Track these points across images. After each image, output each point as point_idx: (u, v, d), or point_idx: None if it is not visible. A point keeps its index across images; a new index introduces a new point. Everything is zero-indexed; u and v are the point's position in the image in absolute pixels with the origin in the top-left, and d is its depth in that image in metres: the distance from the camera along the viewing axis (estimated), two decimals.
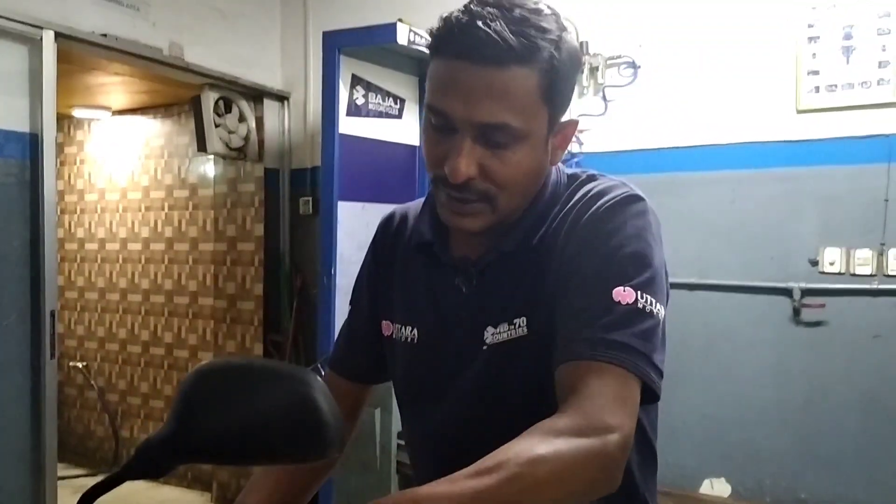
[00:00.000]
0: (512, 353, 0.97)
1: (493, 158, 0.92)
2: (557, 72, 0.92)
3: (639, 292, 0.88)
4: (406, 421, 1.14)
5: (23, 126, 2.93)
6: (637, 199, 0.96)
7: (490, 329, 0.99)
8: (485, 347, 0.99)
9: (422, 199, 1.16)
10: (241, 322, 4.36)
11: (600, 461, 0.79)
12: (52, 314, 2.94)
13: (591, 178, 1.02)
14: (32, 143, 2.95)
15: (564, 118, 0.98)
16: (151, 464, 0.69)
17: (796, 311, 2.96)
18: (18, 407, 2.93)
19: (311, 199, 4.07)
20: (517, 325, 0.97)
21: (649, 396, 0.87)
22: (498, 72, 0.88)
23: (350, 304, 1.22)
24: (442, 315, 1.04)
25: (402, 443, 3.52)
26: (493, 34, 0.87)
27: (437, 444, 1.07)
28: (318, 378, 0.70)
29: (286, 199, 4.19)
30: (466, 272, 1.03)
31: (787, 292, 2.98)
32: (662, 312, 0.90)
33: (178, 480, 4.72)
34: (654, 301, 0.89)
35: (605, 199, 0.96)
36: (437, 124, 0.94)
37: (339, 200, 3.42)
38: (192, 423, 0.68)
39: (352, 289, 1.22)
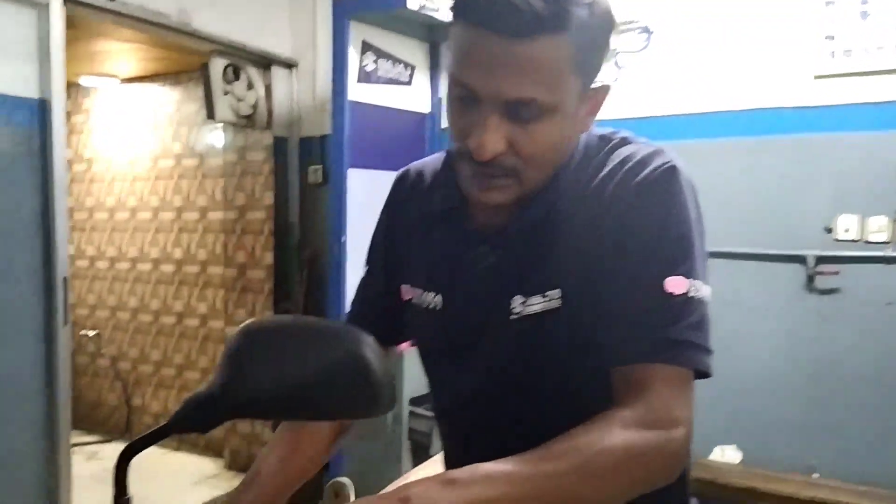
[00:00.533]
0: (543, 325, 0.94)
1: (521, 133, 0.87)
2: (590, 38, 0.87)
3: (689, 279, 0.87)
4: (431, 385, 1.12)
5: (31, 92, 2.91)
6: (675, 170, 0.92)
7: (519, 299, 0.95)
8: (512, 318, 0.95)
9: (437, 156, 1.13)
10: (252, 290, 4.37)
11: (665, 455, 0.82)
12: (65, 281, 2.95)
13: (625, 142, 0.97)
14: (41, 110, 2.93)
15: (596, 84, 0.93)
16: (197, 418, 0.69)
17: (810, 279, 2.94)
18: (32, 374, 2.94)
19: (320, 167, 4.05)
20: (550, 298, 0.93)
21: (703, 375, 0.88)
22: (525, 44, 0.82)
23: (366, 264, 1.18)
24: (467, 283, 1.01)
25: (414, 410, 3.54)
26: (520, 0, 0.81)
27: (461, 412, 1.05)
28: (369, 336, 0.69)
29: (295, 168, 4.17)
30: (494, 240, 0.99)
31: (800, 260, 2.96)
32: (709, 291, 0.89)
33: (191, 447, 4.77)
34: (702, 284, 0.88)
35: (646, 172, 0.91)
36: (461, 95, 0.89)
37: (349, 168, 3.41)
38: (239, 379, 0.68)
39: (368, 249, 1.18)
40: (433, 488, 0.72)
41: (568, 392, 0.83)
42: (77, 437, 4.37)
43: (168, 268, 5.01)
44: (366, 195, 3.44)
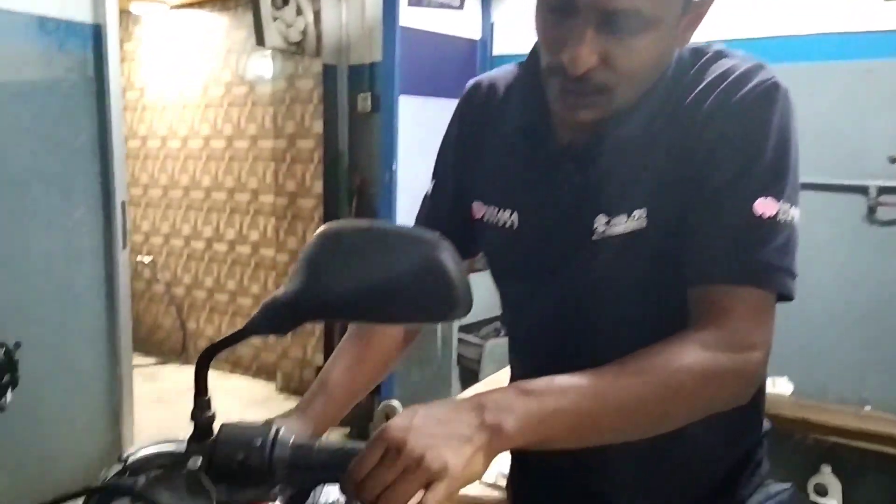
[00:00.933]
0: (627, 246, 0.91)
1: (618, 46, 0.82)
2: None
3: (780, 202, 0.85)
4: (505, 304, 1.11)
5: (85, 17, 2.92)
6: (777, 87, 0.87)
7: (603, 219, 0.92)
8: (594, 238, 0.93)
9: (508, 68, 1.08)
10: (302, 219, 4.41)
11: (742, 377, 0.82)
12: (123, 205, 3.01)
13: (720, 55, 0.92)
14: (95, 36, 2.94)
15: None
16: (275, 321, 0.71)
17: (871, 210, 2.87)
18: (93, 296, 3.04)
19: (369, 95, 4.02)
20: (636, 217, 0.90)
21: (785, 299, 0.87)
22: None
23: (433, 178, 1.14)
24: (548, 202, 0.97)
25: (463, 337, 3.58)
26: None
27: (535, 334, 1.04)
28: (446, 240, 0.69)
29: (345, 96, 4.15)
30: (578, 158, 0.94)
31: (862, 190, 2.88)
32: (798, 215, 0.87)
33: (244, 370, 4.92)
34: (792, 207, 0.86)
35: (747, 87, 0.87)
36: (555, 5, 0.84)
37: (399, 95, 3.38)
38: (317, 282, 0.69)
39: (434, 162, 1.15)
40: (508, 396, 0.72)
41: (646, 316, 0.83)
42: (136, 360, 4.52)
43: (220, 195, 5.08)
44: (416, 122, 3.42)
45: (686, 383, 0.78)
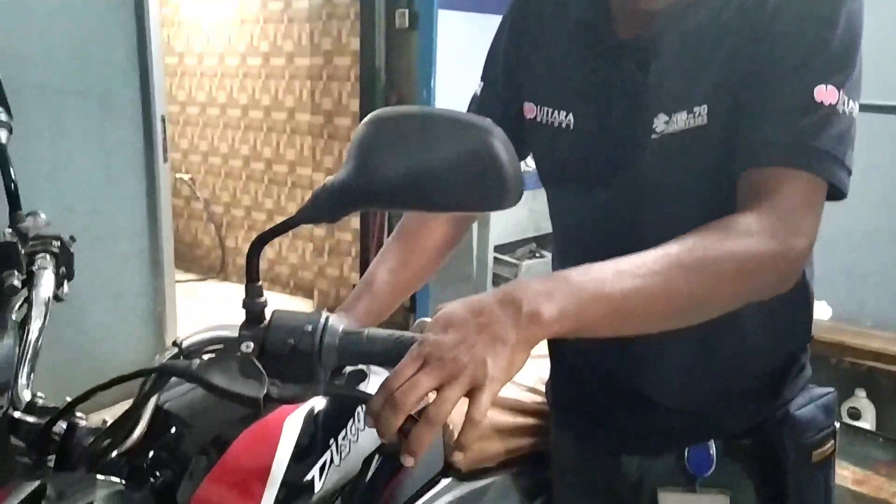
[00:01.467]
0: (687, 143, 0.89)
1: None
2: None
3: (841, 91, 0.82)
4: (555, 207, 1.10)
5: None
6: None
7: (663, 117, 0.90)
8: (654, 137, 0.91)
9: None
10: (338, 138, 4.40)
11: (784, 265, 0.81)
12: (163, 119, 3.03)
13: None
14: None
15: None
16: (325, 209, 0.71)
17: None
18: (136, 210, 3.09)
19: (407, 10, 3.94)
20: (697, 114, 0.88)
21: (837, 195, 0.85)
22: None
23: (481, 79, 1.12)
24: (605, 101, 0.95)
25: (498, 256, 3.60)
26: None
27: (587, 235, 1.03)
28: (498, 127, 0.68)
29: (382, 11, 4.07)
30: (638, 54, 0.92)
31: None
32: (857, 109, 0.85)
33: (282, 287, 5.00)
34: (852, 99, 0.84)
35: None
36: None
37: (439, 9, 3.31)
38: (368, 169, 0.68)
39: (484, 63, 1.12)
40: (546, 284, 0.71)
41: (701, 214, 0.81)
42: (176, 276, 4.62)
43: (256, 114, 5.07)
44: (456, 39, 3.35)
45: (728, 267, 0.77)
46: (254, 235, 0.78)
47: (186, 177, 5.45)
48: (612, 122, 0.95)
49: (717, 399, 1.02)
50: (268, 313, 0.77)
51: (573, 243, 1.09)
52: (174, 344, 0.80)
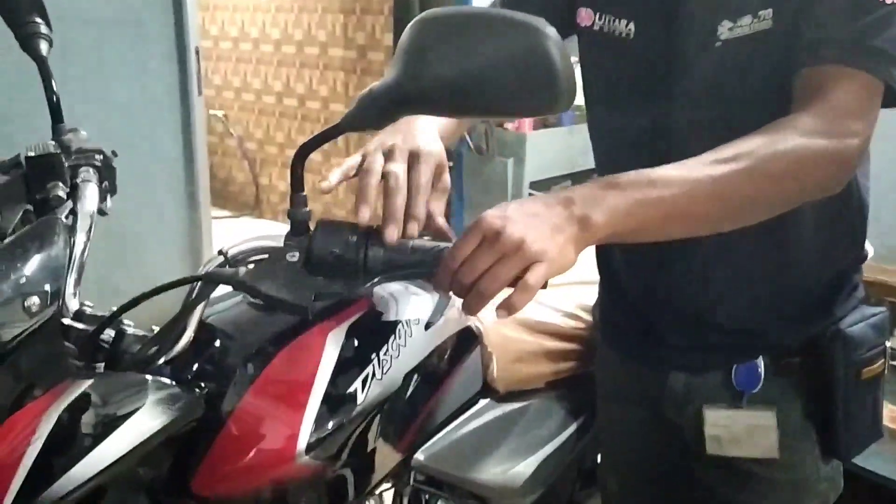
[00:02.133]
0: (751, 49, 0.88)
1: None
2: None
3: None
4: (602, 124, 1.07)
5: None
6: None
7: (727, 23, 0.88)
8: (718, 44, 0.89)
9: None
10: (371, 74, 4.36)
11: (838, 164, 0.81)
12: (197, 51, 3.01)
13: None
14: None
15: None
16: (371, 114, 0.70)
17: None
18: (171, 142, 3.09)
19: None
20: (761, 18, 0.86)
21: (893, 101, 0.83)
22: None
23: None
24: (669, 8, 0.92)
25: (533, 193, 3.56)
26: None
27: (635, 157, 0.97)
28: (552, 27, 0.66)
29: None
30: None
31: None
32: None
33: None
34: None
35: None
36: None
37: None
38: (416, 71, 0.66)
39: None
40: (595, 190, 0.72)
41: (762, 120, 0.80)
42: (212, 212, 4.66)
43: (289, 49, 5.03)
44: None
45: (780, 166, 0.77)
46: (287, 173, 0.78)
47: (220, 113, 5.45)
48: (675, 30, 0.92)
49: (767, 315, 1.01)
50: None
51: (620, 168, 1.06)
52: (220, 253, 0.80)
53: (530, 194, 3.52)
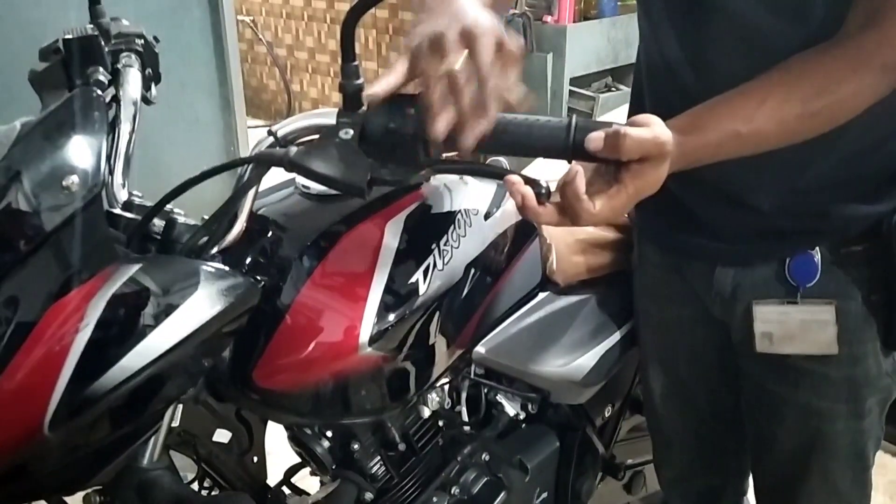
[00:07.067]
0: None
1: None
2: None
3: None
4: (649, 39, 0.97)
5: None
6: None
7: None
8: None
9: None
10: None
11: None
12: None
13: None
14: None
15: None
16: None
17: None
18: (203, 46, 3.01)
19: None
20: None
21: None
22: None
23: None
24: None
25: (574, 89, 3.44)
26: None
27: (682, 70, 0.90)
28: None
29: None
30: None
31: None
32: None
33: None
34: None
35: None
36: None
37: None
38: None
39: None
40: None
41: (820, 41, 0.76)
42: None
43: None
44: None
45: (831, 106, 0.75)
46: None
47: (248, 19, 5.30)
48: None
49: (824, 200, 0.91)
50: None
51: (662, 84, 0.96)
52: (269, 133, 0.75)
53: (571, 91, 3.40)
